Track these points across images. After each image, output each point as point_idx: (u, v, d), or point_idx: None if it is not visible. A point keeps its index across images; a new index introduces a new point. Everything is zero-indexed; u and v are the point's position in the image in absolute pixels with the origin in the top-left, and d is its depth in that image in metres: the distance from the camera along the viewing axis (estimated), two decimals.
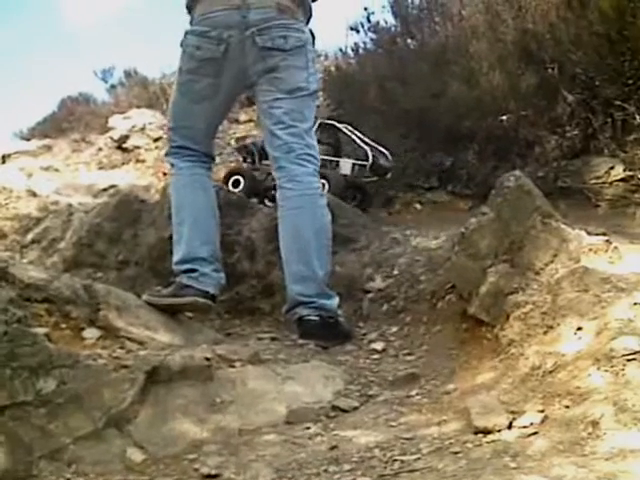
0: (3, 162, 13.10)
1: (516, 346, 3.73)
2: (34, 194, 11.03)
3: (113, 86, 20.98)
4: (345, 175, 7.91)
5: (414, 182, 8.03)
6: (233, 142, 10.74)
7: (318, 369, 4.17)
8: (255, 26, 4.32)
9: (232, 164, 9.95)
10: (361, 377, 4.17)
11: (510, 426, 3.03)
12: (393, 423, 3.39)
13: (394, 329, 4.90)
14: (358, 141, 8.30)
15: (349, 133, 8.47)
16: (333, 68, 11.39)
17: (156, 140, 13.85)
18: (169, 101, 4.83)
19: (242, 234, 6.12)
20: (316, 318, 4.52)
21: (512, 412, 3.12)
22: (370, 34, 10.14)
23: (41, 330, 3.68)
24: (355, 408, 3.73)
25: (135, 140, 13.72)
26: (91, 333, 3.99)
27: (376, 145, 8.42)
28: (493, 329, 4.04)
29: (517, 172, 4.48)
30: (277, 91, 4.38)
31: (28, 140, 16.81)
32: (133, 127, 14.63)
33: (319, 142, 7.33)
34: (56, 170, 13.81)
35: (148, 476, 3.08)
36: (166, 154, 4.90)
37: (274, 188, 5.20)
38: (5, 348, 3.24)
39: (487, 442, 2.94)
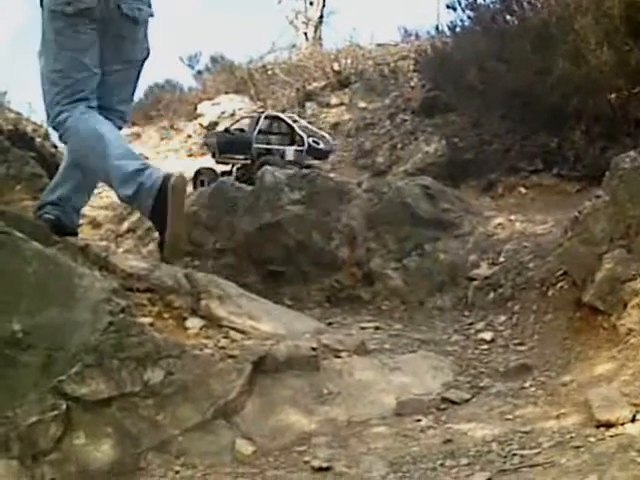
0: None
1: (635, 335, 3.66)
2: None
3: (199, 72, 21.26)
4: (290, 161, 9.47)
5: (518, 165, 7.91)
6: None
7: (426, 360, 4.16)
8: None
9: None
10: (470, 368, 4.14)
11: (634, 419, 2.97)
12: (509, 416, 3.36)
13: (502, 318, 4.84)
14: (297, 129, 10.24)
15: (291, 122, 10.46)
16: (428, 48, 11.31)
17: None
18: (46, 79, 4.65)
19: (340, 221, 6.12)
20: (52, 217, 4.45)
21: (635, 405, 3.05)
22: (467, 11, 10.02)
23: (145, 320, 3.74)
24: (466, 400, 3.70)
25: (224, 126, 13.85)
26: (194, 323, 4.03)
27: (317, 131, 10.64)
28: (610, 318, 3.95)
29: (633, 153, 4.38)
30: (118, 61, 4.54)
31: None
32: (222, 113, 14.79)
33: (269, 133, 9.44)
34: (146, 158, 14.03)
35: (258, 469, 3.10)
36: (53, 126, 4.71)
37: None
38: (112, 339, 3.31)
39: (610, 436, 2.89)
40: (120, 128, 4.66)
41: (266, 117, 11.13)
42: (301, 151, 10.02)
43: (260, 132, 10.67)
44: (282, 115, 10.95)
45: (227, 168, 10.94)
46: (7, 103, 11.69)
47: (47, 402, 3.08)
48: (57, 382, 3.13)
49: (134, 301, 3.90)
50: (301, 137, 10.15)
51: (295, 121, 10.71)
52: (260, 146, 10.51)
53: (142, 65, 4.68)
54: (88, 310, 3.37)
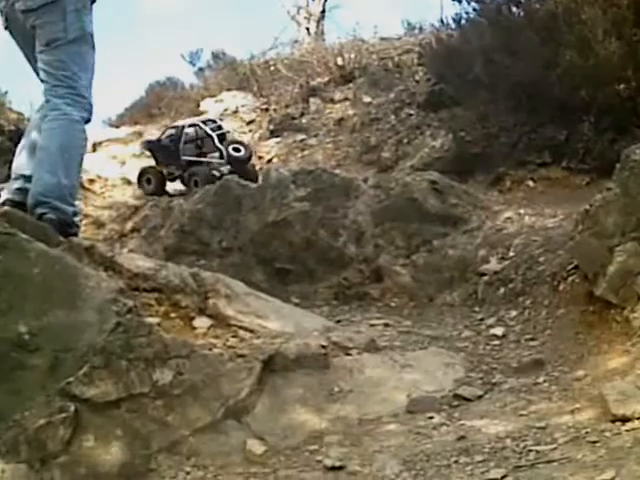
0: (94, 150, 13.33)
1: None
2: (129, 182, 11.26)
3: (201, 69, 21.23)
4: (215, 168, 10.37)
5: (525, 158, 7.89)
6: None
7: (437, 356, 4.16)
8: None
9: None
10: (482, 364, 4.14)
11: None
12: (523, 412, 3.36)
13: (513, 313, 4.84)
14: (216, 140, 10.84)
15: (210, 132, 11.01)
16: (433, 41, 11.28)
17: (249, 123, 13.97)
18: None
19: (347, 217, 6.14)
20: (53, 217, 4.48)
21: None
22: (473, 3, 9.98)
23: (153, 320, 3.74)
24: (479, 397, 3.70)
25: (228, 123, 13.84)
26: (202, 322, 4.03)
27: (237, 139, 11.57)
28: (623, 311, 3.95)
29: None
30: (39, 45, 4.72)
31: (117, 127, 17.10)
32: (225, 110, 14.77)
33: (195, 141, 11.03)
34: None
35: (270, 468, 3.11)
36: None
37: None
38: (120, 339, 3.31)
39: (626, 430, 2.88)
40: (88, 120, 4.74)
41: (190, 126, 11.45)
42: (222, 161, 10.48)
43: (186, 142, 11.02)
44: (202, 125, 11.29)
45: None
46: (8, 103, 11.68)
47: (55, 404, 3.08)
48: (65, 384, 3.14)
49: (141, 301, 3.91)
50: (219, 148, 10.59)
51: (216, 129, 11.22)
52: (186, 157, 11.01)
53: (76, 44, 4.71)
54: (95, 311, 3.37)
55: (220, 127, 11.30)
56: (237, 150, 10.67)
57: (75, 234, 4.48)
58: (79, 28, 4.67)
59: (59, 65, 4.66)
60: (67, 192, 4.55)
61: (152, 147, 11.61)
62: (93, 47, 4.77)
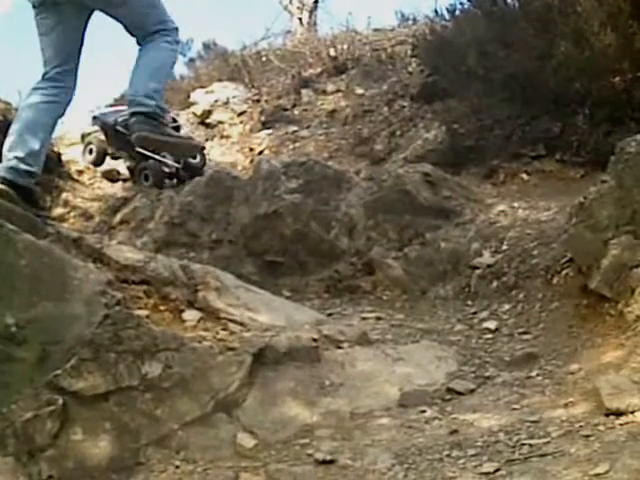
0: (83, 141, 13.26)
1: None
2: (118, 173, 11.20)
3: (192, 59, 21.18)
4: (166, 169, 10.06)
5: (519, 150, 7.86)
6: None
7: (429, 350, 4.17)
8: None
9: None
10: (475, 358, 4.15)
11: None
12: (516, 406, 3.36)
13: (506, 307, 4.85)
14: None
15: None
16: (427, 31, 11.27)
17: (240, 114, 13.90)
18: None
19: (339, 209, 6.13)
20: (141, 111, 4.56)
21: None
22: None
23: (141, 312, 3.73)
24: (472, 390, 3.71)
25: (218, 115, 13.79)
26: (191, 315, 4.02)
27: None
28: (617, 305, 3.96)
29: (639, 136, 4.37)
30: (106, 6, 4.74)
31: None
32: (216, 101, 14.70)
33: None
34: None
35: (260, 462, 3.11)
36: None
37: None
38: (109, 332, 3.30)
39: (620, 424, 2.89)
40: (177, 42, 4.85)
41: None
42: (177, 165, 10.30)
43: None
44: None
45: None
46: None
47: (43, 397, 3.08)
48: (53, 377, 3.13)
49: (129, 293, 3.90)
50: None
51: (178, 127, 10.90)
52: (142, 151, 10.65)
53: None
54: (83, 303, 3.36)
55: (178, 128, 11.04)
56: (193, 157, 10.50)
57: (161, 122, 4.61)
58: None
59: (135, 18, 4.78)
60: (152, 90, 4.63)
61: (105, 128, 11.28)
62: None
